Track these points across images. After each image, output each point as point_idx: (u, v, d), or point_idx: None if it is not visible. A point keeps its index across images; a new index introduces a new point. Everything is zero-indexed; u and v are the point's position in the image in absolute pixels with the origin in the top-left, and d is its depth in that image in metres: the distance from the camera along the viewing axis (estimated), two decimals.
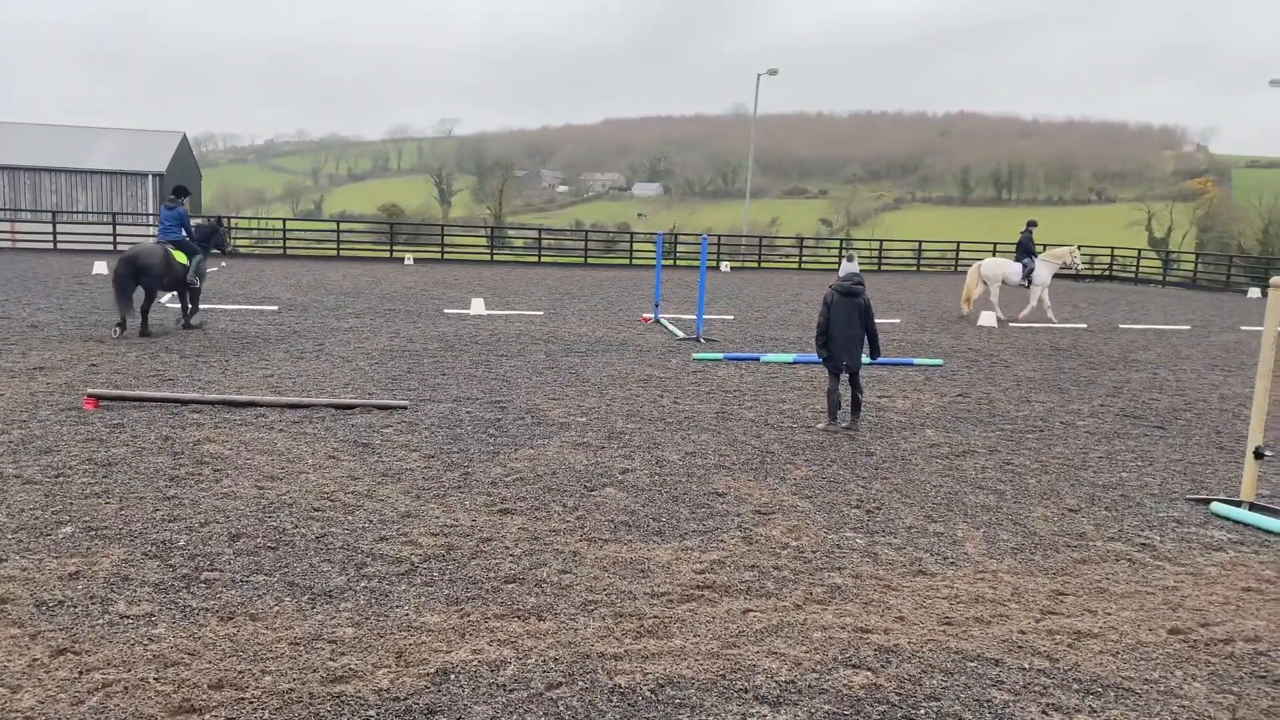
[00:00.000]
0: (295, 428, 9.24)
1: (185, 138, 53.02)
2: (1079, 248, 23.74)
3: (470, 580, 5.73)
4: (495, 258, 39.08)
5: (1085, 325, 21.53)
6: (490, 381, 11.98)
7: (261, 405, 10.03)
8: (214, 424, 9.24)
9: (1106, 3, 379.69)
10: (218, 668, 4.54)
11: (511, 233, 61.41)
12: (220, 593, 5.40)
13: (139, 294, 14.64)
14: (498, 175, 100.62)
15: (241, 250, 37.59)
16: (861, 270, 11.61)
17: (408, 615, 5.21)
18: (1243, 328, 22.14)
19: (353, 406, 10.14)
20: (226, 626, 4.98)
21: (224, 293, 21.42)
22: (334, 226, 42.46)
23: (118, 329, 14.26)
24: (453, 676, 4.56)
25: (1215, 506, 7.76)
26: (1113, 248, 45.03)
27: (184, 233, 15.26)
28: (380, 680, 4.49)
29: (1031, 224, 22.71)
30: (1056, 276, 21.65)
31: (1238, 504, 7.77)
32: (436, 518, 6.82)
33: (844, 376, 10.19)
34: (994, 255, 42.74)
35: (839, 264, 13.08)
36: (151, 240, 16.06)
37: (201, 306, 17.09)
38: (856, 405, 10.23)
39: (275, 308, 19.01)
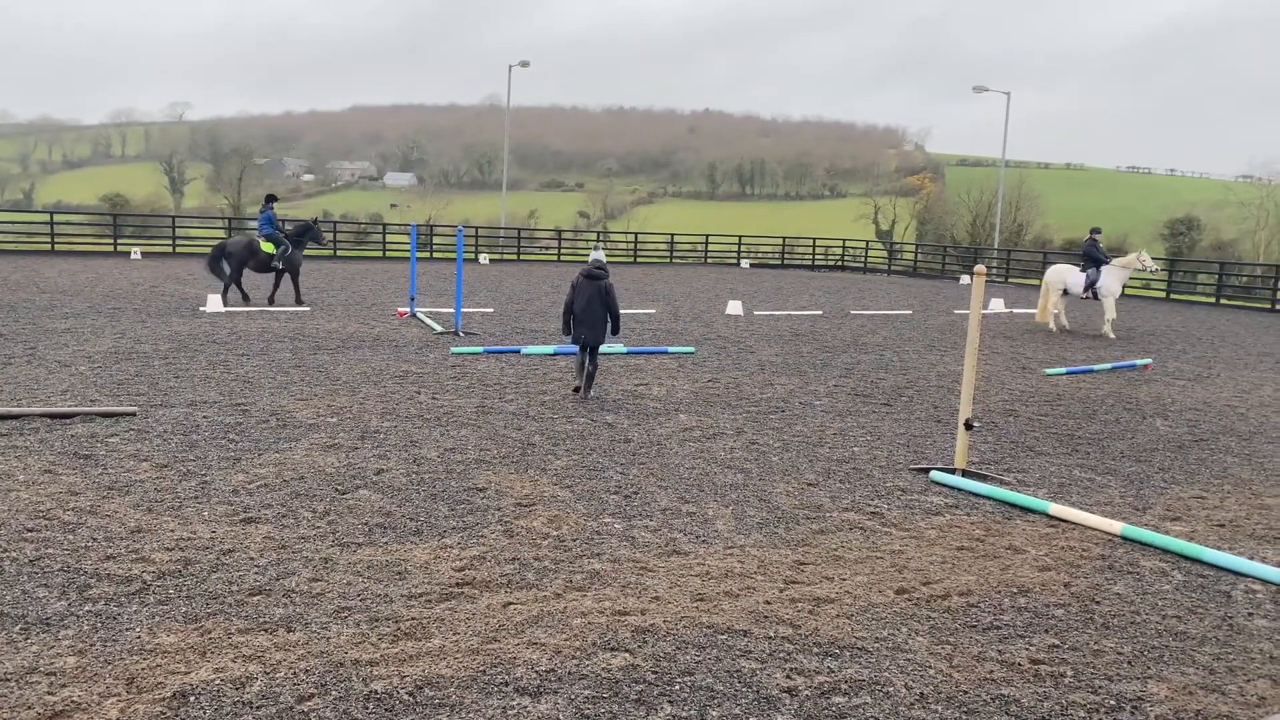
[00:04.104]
0: (2, 441, 8.31)
1: None
2: (1145, 252, 22.17)
3: (210, 595, 5.38)
4: None
5: (821, 312, 23.05)
6: (230, 383, 11.27)
7: None
8: None
9: (851, 11, 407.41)
10: None
11: (252, 224, 58.00)
12: None
13: (227, 272, 19.05)
14: (236, 163, 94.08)
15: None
16: (608, 259, 12.50)
17: (140, 638, 4.82)
18: (956, 311, 24.46)
19: (72, 415, 9.25)
20: None
21: None
22: (47, 218, 38.46)
23: (243, 300, 19.33)
24: (192, 699, 4.26)
25: (934, 475, 8.54)
26: (844, 239, 48.53)
27: (272, 229, 19.47)
28: (109, 711, 4.14)
29: (1095, 231, 21.04)
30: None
31: (952, 471, 8.60)
32: (171, 531, 6.35)
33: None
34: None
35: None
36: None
37: None
38: (589, 377, 11.19)
39: None
